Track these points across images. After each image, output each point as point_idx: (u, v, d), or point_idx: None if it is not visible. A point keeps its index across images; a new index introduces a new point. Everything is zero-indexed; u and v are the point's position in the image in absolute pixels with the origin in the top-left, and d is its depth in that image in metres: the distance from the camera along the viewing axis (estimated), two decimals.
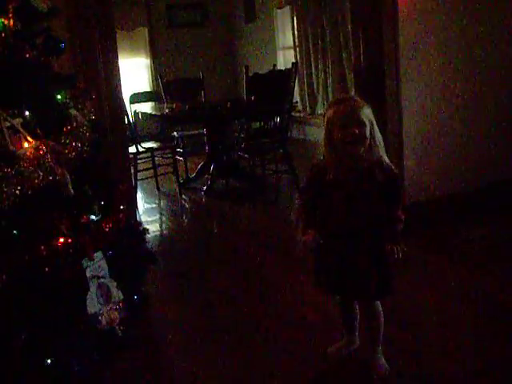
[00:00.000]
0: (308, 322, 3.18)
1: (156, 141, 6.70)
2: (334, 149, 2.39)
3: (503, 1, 4.60)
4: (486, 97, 4.62)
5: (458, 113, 4.52)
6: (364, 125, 2.34)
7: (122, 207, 2.64)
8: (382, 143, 2.44)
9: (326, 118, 2.43)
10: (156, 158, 6.65)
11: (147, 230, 3.07)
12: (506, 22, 4.63)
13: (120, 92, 3.60)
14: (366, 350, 2.67)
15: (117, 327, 2.44)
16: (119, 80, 3.55)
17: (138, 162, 6.30)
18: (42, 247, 2.17)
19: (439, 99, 4.43)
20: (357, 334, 2.78)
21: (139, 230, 3.01)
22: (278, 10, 9.04)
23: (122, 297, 2.44)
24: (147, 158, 6.54)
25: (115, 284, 2.44)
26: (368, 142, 2.36)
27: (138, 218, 5.02)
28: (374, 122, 2.39)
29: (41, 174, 2.16)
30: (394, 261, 2.37)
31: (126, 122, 5.95)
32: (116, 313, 2.38)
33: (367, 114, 2.37)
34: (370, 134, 2.36)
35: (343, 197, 2.41)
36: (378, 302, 2.59)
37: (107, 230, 2.45)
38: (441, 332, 2.91)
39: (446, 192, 4.46)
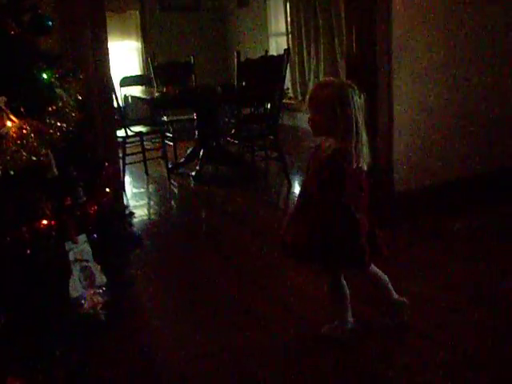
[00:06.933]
0: (290, 304, 3.18)
1: (145, 125, 6.63)
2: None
3: None
4: (476, 87, 4.60)
5: (449, 103, 4.50)
6: (319, 112, 2.42)
7: (107, 190, 2.59)
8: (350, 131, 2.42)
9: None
10: (145, 143, 6.60)
11: (133, 213, 3.04)
12: (501, 14, 4.61)
13: (109, 73, 3.54)
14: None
15: (100, 311, 2.40)
16: (108, 61, 3.49)
17: (127, 146, 6.25)
18: (24, 229, 2.13)
19: (431, 89, 4.41)
20: (350, 313, 2.78)
21: (125, 213, 2.97)
22: None
23: (105, 280, 2.40)
24: (136, 142, 6.48)
25: (99, 267, 2.40)
26: (327, 129, 2.44)
27: (125, 202, 4.98)
28: (347, 108, 2.39)
29: (24, 154, 2.12)
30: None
31: (116, 105, 5.89)
32: (99, 297, 2.35)
33: (330, 98, 2.39)
34: (333, 120, 2.39)
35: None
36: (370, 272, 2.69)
37: (92, 212, 2.41)
38: (428, 320, 2.90)
39: (436, 181, 4.45)
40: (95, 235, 2.48)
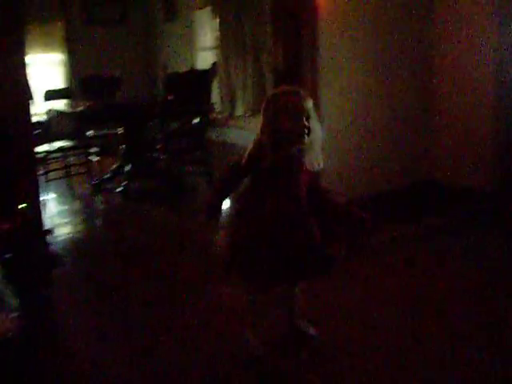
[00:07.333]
0: (218, 322, 3.10)
1: (70, 140, 6.44)
2: (276, 137, 2.42)
3: (415, 9, 4.71)
4: (403, 99, 4.70)
5: (376, 115, 4.57)
6: (293, 119, 2.42)
7: (22, 206, 2.46)
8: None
9: (271, 106, 2.47)
10: (69, 158, 6.41)
11: (52, 231, 2.91)
12: (417, 26, 4.74)
13: (25, 85, 3.41)
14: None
15: (13, 336, 2.26)
16: (26, 73, 3.35)
17: (50, 161, 6.05)
18: None
19: (357, 101, 4.47)
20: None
21: (43, 231, 2.84)
22: (199, 11, 8.93)
23: (17, 304, 2.27)
24: (60, 157, 6.28)
25: (11, 290, 2.27)
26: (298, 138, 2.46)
27: (46, 220, 4.80)
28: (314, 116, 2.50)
29: None
30: None
31: (38, 119, 5.73)
32: (10, 322, 2.21)
33: (304, 106, 2.46)
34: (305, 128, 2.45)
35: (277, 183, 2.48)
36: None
37: (4, 230, 2.28)
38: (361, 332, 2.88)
39: (363, 192, 4.48)
40: (8, 255, 2.35)
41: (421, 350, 2.72)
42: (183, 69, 6.55)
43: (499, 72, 4.52)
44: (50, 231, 2.89)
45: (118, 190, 6.08)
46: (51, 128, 6.53)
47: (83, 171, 6.46)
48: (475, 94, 4.65)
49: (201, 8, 8.79)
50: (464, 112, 4.74)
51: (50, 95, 6.64)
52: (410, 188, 4.74)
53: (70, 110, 6.40)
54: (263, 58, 7.29)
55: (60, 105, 6.74)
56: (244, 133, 7.40)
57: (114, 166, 6.44)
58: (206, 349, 2.83)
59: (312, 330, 2.82)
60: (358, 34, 4.44)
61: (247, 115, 7.75)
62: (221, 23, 8.19)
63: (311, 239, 2.51)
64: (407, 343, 2.80)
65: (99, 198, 6.11)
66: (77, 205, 6.06)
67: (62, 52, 9.27)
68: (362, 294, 3.35)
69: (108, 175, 6.45)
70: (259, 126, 2.52)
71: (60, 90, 7.39)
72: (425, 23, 4.78)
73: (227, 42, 8.05)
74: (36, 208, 3.02)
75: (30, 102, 4.68)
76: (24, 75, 3.38)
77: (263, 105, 2.52)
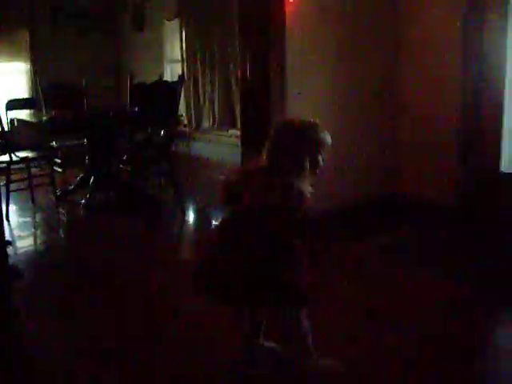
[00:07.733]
0: (186, 337, 3.07)
1: (33, 150, 6.32)
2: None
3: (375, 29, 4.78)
4: (368, 109, 4.75)
5: (341, 127, 4.60)
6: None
7: None
8: None
9: (317, 139, 2.55)
10: (32, 169, 6.28)
11: (10, 242, 2.83)
12: (378, 42, 4.82)
13: None
14: None
15: None
16: None
17: (12, 172, 5.92)
18: None
19: (323, 112, 4.49)
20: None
21: (2, 243, 2.76)
22: (167, 22, 8.90)
23: None
24: (23, 168, 6.16)
25: None
26: None
27: (7, 232, 4.69)
28: None
29: None
30: None
31: (1, 129, 5.62)
32: None
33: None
34: None
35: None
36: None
37: None
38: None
39: (324, 207, 4.49)
40: None
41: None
42: (151, 80, 6.48)
43: (465, 82, 4.59)
44: (8, 243, 2.80)
45: (82, 201, 5.98)
46: (13, 138, 6.39)
47: (46, 182, 6.34)
48: (441, 105, 4.74)
49: (169, 20, 8.76)
50: (429, 122, 4.82)
51: (13, 104, 6.51)
52: (374, 201, 4.76)
53: (34, 119, 6.28)
54: (231, 71, 7.28)
55: (23, 114, 6.62)
56: (210, 145, 7.38)
57: (78, 178, 6.34)
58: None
59: (275, 346, 2.77)
60: (324, 44, 4.48)
61: (214, 128, 7.73)
62: (189, 35, 8.17)
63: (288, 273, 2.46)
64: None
65: (62, 210, 6.00)
66: (39, 217, 5.95)
67: (27, 61, 9.13)
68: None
69: (72, 187, 6.34)
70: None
71: (23, 100, 7.25)
72: (390, 47, 4.88)
73: (195, 54, 8.03)
74: None
75: None
76: None
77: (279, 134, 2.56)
